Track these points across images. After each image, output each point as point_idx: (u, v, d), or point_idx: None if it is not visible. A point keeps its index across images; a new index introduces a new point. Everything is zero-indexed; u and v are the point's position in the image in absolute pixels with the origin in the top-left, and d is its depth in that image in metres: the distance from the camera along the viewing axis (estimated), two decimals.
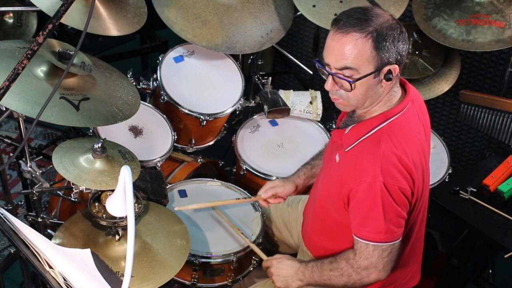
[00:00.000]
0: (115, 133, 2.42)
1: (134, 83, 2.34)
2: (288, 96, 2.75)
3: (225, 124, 2.80)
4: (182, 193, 2.37)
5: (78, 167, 1.85)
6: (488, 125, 2.72)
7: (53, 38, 2.78)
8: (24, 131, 2.07)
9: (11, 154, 2.64)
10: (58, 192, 2.26)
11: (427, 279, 2.41)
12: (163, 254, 1.88)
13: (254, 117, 2.80)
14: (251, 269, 2.24)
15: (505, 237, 2.25)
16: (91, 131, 2.41)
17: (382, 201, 1.68)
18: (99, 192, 1.89)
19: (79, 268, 1.34)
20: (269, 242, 2.37)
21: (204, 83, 2.72)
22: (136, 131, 2.51)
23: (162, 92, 2.57)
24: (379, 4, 2.61)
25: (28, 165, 2.08)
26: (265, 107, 2.66)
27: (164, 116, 2.60)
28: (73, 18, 2.15)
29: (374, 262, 1.75)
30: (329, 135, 2.75)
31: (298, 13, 2.74)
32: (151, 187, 2.19)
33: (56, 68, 1.92)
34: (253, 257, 2.22)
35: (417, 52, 2.78)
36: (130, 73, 2.48)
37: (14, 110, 1.81)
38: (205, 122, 2.58)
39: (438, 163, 2.63)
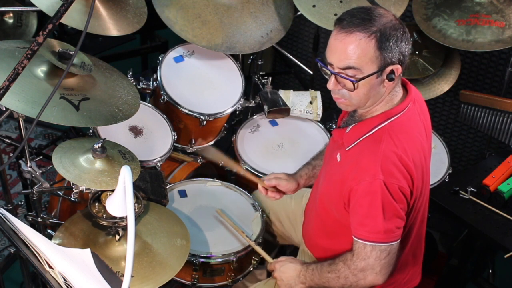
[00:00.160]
0: (115, 133, 2.42)
1: (134, 83, 2.34)
2: (288, 96, 2.75)
3: (225, 124, 2.80)
4: (182, 193, 2.38)
5: (78, 167, 1.85)
6: (488, 125, 2.72)
7: (53, 38, 2.78)
8: (24, 131, 2.07)
9: (11, 154, 2.64)
10: (58, 192, 2.25)
11: (427, 279, 2.41)
12: (163, 254, 1.88)
13: (254, 117, 2.80)
14: (251, 269, 2.24)
15: (505, 237, 2.25)
16: (91, 131, 2.41)
17: (382, 200, 1.68)
18: (99, 192, 1.89)
19: (79, 268, 1.34)
20: (272, 236, 2.37)
21: (204, 83, 2.72)
22: (136, 131, 2.51)
23: (162, 92, 2.57)
24: (379, 4, 2.61)
25: (28, 165, 2.08)
26: (265, 107, 2.66)
27: (164, 116, 2.60)
28: (73, 18, 2.15)
29: (371, 263, 1.75)
30: (329, 135, 2.75)
31: (298, 13, 2.74)
32: (151, 187, 2.19)
33: (56, 68, 1.92)
34: (253, 257, 2.22)
35: (417, 52, 2.79)
36: (130, 73, 2.48)
37: (14, 110, 1.81)
38: (205, 122, 2.58)
39: (438, 163, 2.63)
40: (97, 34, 2.27)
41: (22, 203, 3.12)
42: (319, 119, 2.78)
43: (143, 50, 3.79)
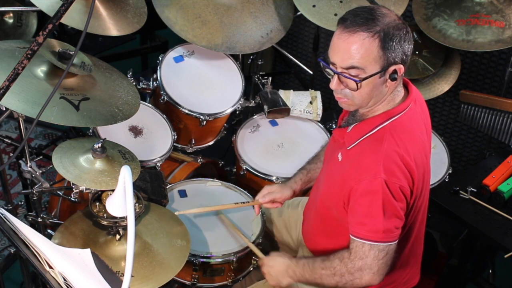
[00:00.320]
0: (115, 133, 2.42)
1: (134, 83, 2.35)
2: (288, 96, 2.75)
3: (225, 124, 2.80)
4: (182, 193, 2.37)
5: (78, 167, 1.85)
6: (488, 125, 2.72)
7: (53, 38, 2.78)
8: (24, 131, 2.07)
9: (11, 154, 2.64)
10: (58, 192, 2.25)
11: (427, 279, 2.42)
12: (163, 254, 1.88)
13: (254, 117, 2.80)
14: (251, 269, 2.24)
15: (505, 237, 2.25)
16: (91, 131, 2.41)
17: (382, 199, 1.68)
18: (100, 192, 1.89)
19: (79, 268, 1.34)
20: (270, 244, 2.37)
21: (204, 83, 2.72)
22: (136, 131, 2.51)
23: (162, 92, 2.57)
24: (379, 4, 2.60)
25: (28, 165, 2.08)
26: (265, 107, 2.66)
27: (164, 116, 2.60)
28: (73, 18, 2.15)
29: (369, 263, 1.74)
30: (329, 135, 2.75)
31: (298, 13, 2.74)
32: (151, 187, 2.19)
33: (56, 68, 1.92)
34: (253, 257, 2.22)
35: (417, 52, 2.79)
36: (130, 73, 2.48)
37: (14, 110, 1.81)
38: (205, 122, 2.58)
39: (438, 163, 2.63)
40: (97, 34, 2.27)
41: (22, 203, 3.12)
42: (319, 119, 2.78)
43: (143, 50, 3.79)
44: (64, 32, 3.49)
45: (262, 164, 2.58)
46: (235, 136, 2.68)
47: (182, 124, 2.63)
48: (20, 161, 2.11)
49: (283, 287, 1.98)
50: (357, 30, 1.63)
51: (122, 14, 2.38)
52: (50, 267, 1.41)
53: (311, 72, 3.35)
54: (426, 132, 1.86)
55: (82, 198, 2.22)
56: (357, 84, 1.67)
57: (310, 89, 2.84)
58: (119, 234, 1.86)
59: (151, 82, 2.63)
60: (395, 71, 1.68)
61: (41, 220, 2.20)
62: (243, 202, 2.32)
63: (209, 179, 2.49)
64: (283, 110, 2.69)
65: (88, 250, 1.28)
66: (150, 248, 1.89)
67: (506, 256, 2.20)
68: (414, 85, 1.88)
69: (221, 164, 2.86)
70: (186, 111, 2.56)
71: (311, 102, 2.76)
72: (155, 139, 2.52)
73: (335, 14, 2.62)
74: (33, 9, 2.33)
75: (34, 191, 2.08)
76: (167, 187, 2.32)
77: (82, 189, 1.88)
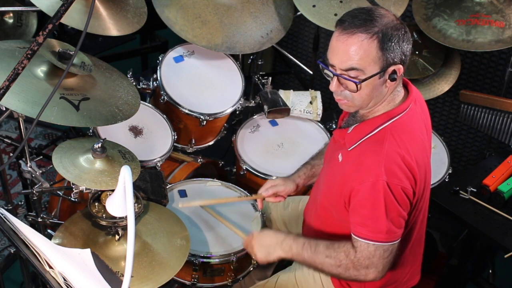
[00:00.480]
0: (115, 133, 2.42)
1: (134, 83, 2.35)
2: (288, 96, 2.75)
3: (225, 124, 2.80)
4: (182, 193, 2.37)
5: (78, 167, 1.85)
6: (488, 125, 2.72)
7: (53, 38, 2.78)
8: (24, 131, 2.07)
9: (11, 154, 2.64)
10: (58, 192, 2.26)
11: (427, 279, 2.41)
12: (163, 254, 1.88)
13: (254, 117, 2.80)
14: (251, 269, 2.24)
15: (505, 237, 2.25)
16: (91, 131, 2.41)
17: (384, 201, 1.68)
18: (99, 192, 1.89)
19: (79, 268, 1.34)
20: None
21: (204, 83, 2.72)
22: (136, 131, 2.51)
23: (162, 92, 2.57)
24: (379, 4, 2.61)
25: (28, 165, 2.08)
26: (265, 107, 2.66)
27: (164, 116, 2.60)
28: (73, 18, 2.15)
29: (375, 262, 1.75)
30: (329, 135, 2.75)
31: (298, 13, 2.74)
32: (151, 187, 2.19)
33: (56, 68, 1.92)
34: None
35: (417, 52, 2.79)
36: (130, 73, 2.48)
37: (14, 110, 1.81)
38: (205, 122, 2.58)
39: (438, 163, 2.63)
40: (97, 34, 2.27)
41: (22, 203, 3.12)
42: (319, 119, 2.78)
43: (143, 50, 3.79)
44: (64, 32, 3.49)
45: (262, 164, 2.58)
46: (235, 136, 2.68)
47: (182, 124, 2.63)
48: (20, 161, 2.11)
49: (269, 261, 1.93)
50: (355, 31, 1.63)
51: (122, 14, 2.38)
52: (50, 267, 1.41)
53: (311, 72, 3.35)
54: (427, 132, 1.87)
55: (82, 198, 2.22)
56: (356, 86, 1.67)
57: (310, 89, 2.84)
58: (119, 234, 1.86)
59: (151, 82, 2.63)
60: (394, 72, 1.68)
61: (41, 220, 2.20)
62: (247, 195, 2.32)
63: (209, 179, 2.49)
64: (283, 110, 2.69)
65: (88, 250, 1.28)
66: (150, 248, 1.89)
67: (506, 256, 2.20)
68: (414, 85, 1.88)
69: (221, 164, 2.86)
70: (186, 111, 2.56)
71: (311, 102, 2.76)
72: (155, 139, 2.52)
73: (335, 14, 2.62)
74: (33, 9, 2.33)
75: (34, 191, 2.08)
76: (167, 187, 2.32)
77: (82, 189, 1.88)
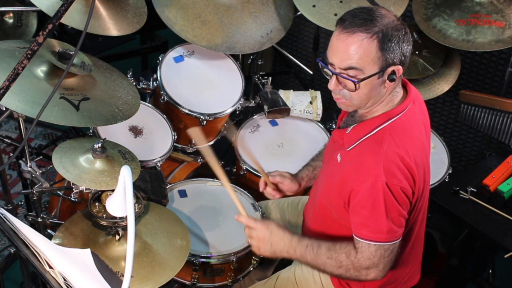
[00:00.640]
0: (115, 133, 2.42)
1: (134, 83, 2.35)
2: (288, 96, 2.75)
3: (225, 124, 2.80)
4: (182, 193, 2.37)
5: (78, 167, 1.85)
6: (488, 125, 2.72)
7: (53, 38, 2.78)
8: (24, 131, 2.07)
9: (11, 154, 2.64)
10: (58, 192, 2.26)
11: (427, 279, 2.41)
12: (163, 255, 1.88)
13: (254, 117, 2.80)
14: (251, 269, 2.24)
15: (505, 237, 2.25)
16: (91, 131, 2.41)
17: (384, 201, 1.68)
18: (99, 192, 1.89)
19: (79, 268, 1.34)
20: None
21: (204, 83, 2.72)
22: (136, 131, 2.51)
23: (162, 92, 2.57)
24: (379, 4, 2.61)
25: (28, 165, 2.08)
26: (265, 107, 2.66)
27: (164, 116, 2.60)
28: (73, 18, 2.15)
29: (376, 262, 1.75)
30: (329, 135, 2.75)
31: (298, 13, 2.74)
32: (151, 187, 2.19)
33: (56, 68, 1.92)
34: (253, 257, 2.22)
35: (417, 52, 2.79)
36: (130, 73, 2.48)
37: (14, 110, 1.81)
38: (205, 122, 2.58)
39: (438, 163, 2.63)
40: (97, 34, 2.27)
41: (22, 203, 3.12)
42: (319, 119, 2.78)
43: (143, 50, 3.79)
44: (64, 32, 3.49)
45: (262, 164, 2.57)
46: (235, 136, 2.68)
47: (182, 124, 2.63)
48: (20, 161, 2.11)
49: (268, 256, 1.92)
50: (355, 30, 1.63)
51: (122, 14, 2.38)
52: (50, 267, 1.41)
53: (311, 72, 3.35)
54: (426, 132, 1.87)
55: (82, 198, 2.22)
56: (355, 85, 1.67)
57: (310, 89, 2.83)
58: (119, 234, 1.86)
59: (151, 82, 2.63)
60: (393, 72, 1.68)
61: (41, 220, 2.20)
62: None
63: (209, 179, 2.49)
64: (283, 110, 2.69)
65: (88, 250, 1.28)
66: (150, 248, 1.89)
67: (506, 256, 2.20)
68: (414, 85, 1.88)
69: (221, 164, 2.86)
70: (186, 111, 2.56)
71: (311, 102, 2.76)
72: (155, 139, 2.52)
73: (335, 14, 2.62)
74: (33, 9, 2.33)
75: (34, 191, 2.08)
76: (167, 187, 2.32)
77: (82, 189, 1.88)
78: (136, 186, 2.13)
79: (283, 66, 3.93)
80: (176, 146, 2.64)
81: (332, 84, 1.72)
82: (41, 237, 1.40)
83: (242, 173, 2.57)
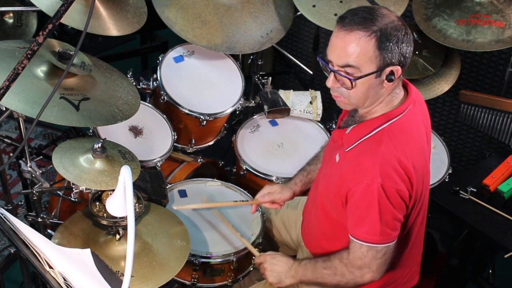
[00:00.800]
0: (115, 133, 2.42)
1: (134, 83, 2.34)
2: (288, 96, 2.75)
3: (225, 124, 2.80)
4: (182, 193, 2.38)
5: (78, 167, 1.85)
6: (488, 125, 2.72)
7: (53, 38, 2.78)
8: (24, 131, 2.07)
9: (11, 154, 2.64)
10: (58, 192, 2.26)
11: (427, 279, 2.41)
12: (163, 255, 1.88)
13: (254, 117, 2.80)
14: (251, 269, 2.24)
15: (505, 237, 2.25)
16: (91, 131, 2.41)
17: (378, 203, 1.68)
18: (100, 192, 1.89)
19: (79, 268, 1.34)
20: (270, 244, 2.37)
21: (204, 83, 2.72)
22: (136, 131, 2.51)
23: (162, 92, 2.57)
24: (379, 4, 2.61)
25: (28, 165, 2.08)
26: (265, 107, 2.66)
27: (164, 116, 2.60)
28: (73, 18, 2.15)
29: (367, 262, 1.75)
30: (329, 135, 2.75)
31: (298, 13, 2.74)
32: (151, 187, 2.19)
33: (56, 68, 1.92)
34: (253, 257, 2.22)
35: (417, 52, 2.78)
36: (130, 73, 2.48)
37: (14, 110, 1.81)
38: (205, 122, 2.58)
39: (438, 163, 2.63)
40: (97, 34, 2.27)
41: (22, 203, 3.12)
42: (319, 119, 2.78)
43: (143, 50, 3.79)
44: (64, 32, 3.49)
45: (262, 164, 2.58)
46: (235, 136, 2.68)
47: (182, 124, 2.63)
48: (20, 161, 2.11)
49: (282, 286, 1.98)
50: (354, 28, 1.63)
51: (122, 14, 2.38)
52: (50, 267, 1.41)
53: (311, 72, 3.36)
54: (426, 134, 1.86)
55: (82, 198, 2.22)
56: (351, 83, 1.67)
57: (310, 89, 2.84)
58: (119, 234, 1.86)
59: (151, 82, 2.63)
60: (392, 72, 1.67)
61: (41, 220, 2.20)
62: (242, 201, 2.32)
63: (209, 179, 2.49)
64: (283, 110, 2.69)
65: (88, 250, 1.28)
66: (150, 248, 1.89)
67: (506, 256, 2.20)
68: (414, 85, 1.87)
69: (221, 164, 2.86)
70: (186, 111, 2.56)
71: (311, 102, 2.76)
72: (155, 139, 2.52)
73: (335, 14, 2.62)
74: (33, 9, 2.33)
75: (34, 191, 2.08)
76: (167, 187, 2.32)
77: (82, 189, 1.88)
78: (136, 186, 2.13)
79: (283, 66, 3.93)
80: (176, 146, 2.64)
81: (330, 81, 1.72)
82: (41, 237, 1.40)
83: (242, 173, 2.57)
